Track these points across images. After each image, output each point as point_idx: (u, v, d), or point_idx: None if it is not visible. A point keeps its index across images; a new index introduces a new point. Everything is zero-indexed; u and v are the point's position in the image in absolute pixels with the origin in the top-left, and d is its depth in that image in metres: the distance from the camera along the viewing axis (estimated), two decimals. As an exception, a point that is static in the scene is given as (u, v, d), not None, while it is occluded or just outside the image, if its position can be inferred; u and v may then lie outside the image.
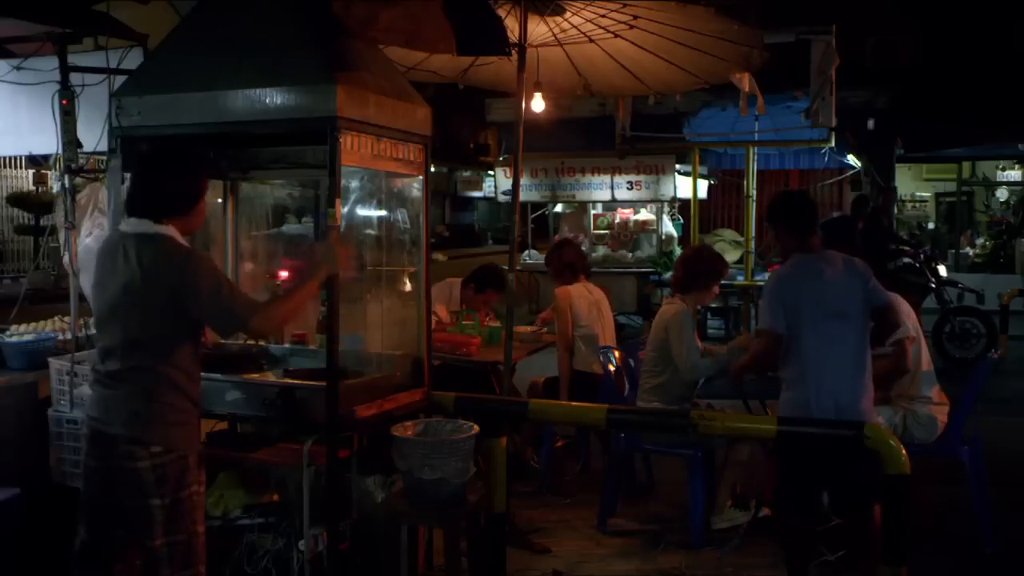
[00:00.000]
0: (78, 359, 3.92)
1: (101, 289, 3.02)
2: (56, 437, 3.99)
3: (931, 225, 19.13)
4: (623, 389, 5.37)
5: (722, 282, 5.40)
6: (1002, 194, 17.83)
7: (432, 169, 3.97)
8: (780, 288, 3.85)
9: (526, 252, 12.24)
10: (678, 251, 10.80)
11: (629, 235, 11.71)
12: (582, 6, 4.74)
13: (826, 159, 12.92)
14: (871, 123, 13.08)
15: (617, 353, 5.44)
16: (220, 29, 3.57)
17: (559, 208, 12.68)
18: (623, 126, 11.11)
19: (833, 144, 10.61)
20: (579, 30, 5.04)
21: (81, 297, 4.05)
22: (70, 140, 4.14)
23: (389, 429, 3.52)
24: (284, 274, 4.32)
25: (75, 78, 4.22)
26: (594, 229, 11.93)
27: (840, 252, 3.97)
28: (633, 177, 11.12)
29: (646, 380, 5.06)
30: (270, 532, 3.63)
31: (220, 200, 4.40)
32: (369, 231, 4.24)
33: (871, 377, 3.84)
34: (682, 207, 11.81)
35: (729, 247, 11.46)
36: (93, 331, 3.47)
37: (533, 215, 13.10)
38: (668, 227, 11.64)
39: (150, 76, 3.61)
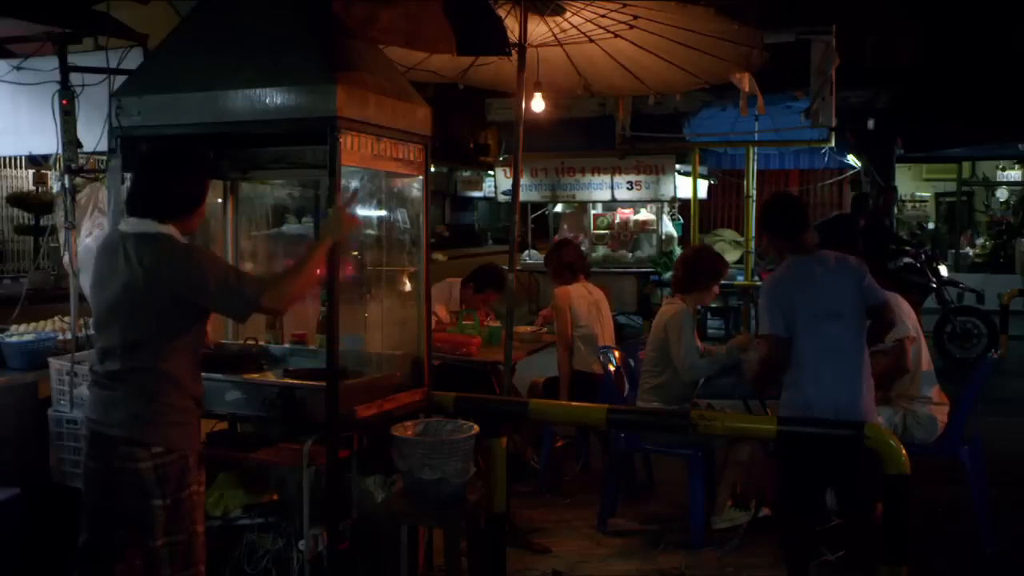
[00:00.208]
0: (78, 359, 3.92)
1: (100, 289, 3.01)
2: (56, 437, 3.98)
3: (931, 225, 19.12)
4: (623, 389, 5.37)
5: (722, 282, 5.40)
6: (1002, 194, 17.83)
7: (432, 169, 3.97)
8: (775, 291, 3.85)
9: (526, 252, 12.25)
10: (678, 251, 10.80)
11: (629, 235, 11.71)
12: (582, 6, 4.74)
13: (826, 159, 12.93)
14: (871, 123, 13.08)
15: (617, 353, 5.44)
16: (220, 29, 3.58)
17: (559, 208, 12.69)
18: (623, 126, 11.12)
19: (833, 144, 10.61)
20: (579, 30, 5.04)
21: (81, 297, 4.04)
22: (70, 140, 4.13)
23: (389, 429, 3.52)
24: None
25: (75, 78, 4.21)
26: (594, 229, 11.94)
27: (838, 251, 3.97)
28: (633, 177, 11.12)
29: (646, 380, 5.06)
30: (270, 532, 3.63)
31: (220, 200, 4.40)
32: (369, 231, 4.24)
33: (870, 376, 3.84)
34: (682, 207, 11.81)
35: (729, 247, 11.47)
36: (92, 332, 3.46)
37: (533, 215, 13.11)
38: (668, 227, 11.64)
39: (150, 76, 3.61)
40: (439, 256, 15.00)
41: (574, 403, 5.16)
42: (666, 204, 11.47)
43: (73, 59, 4.27)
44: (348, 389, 3.44)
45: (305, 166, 4.17)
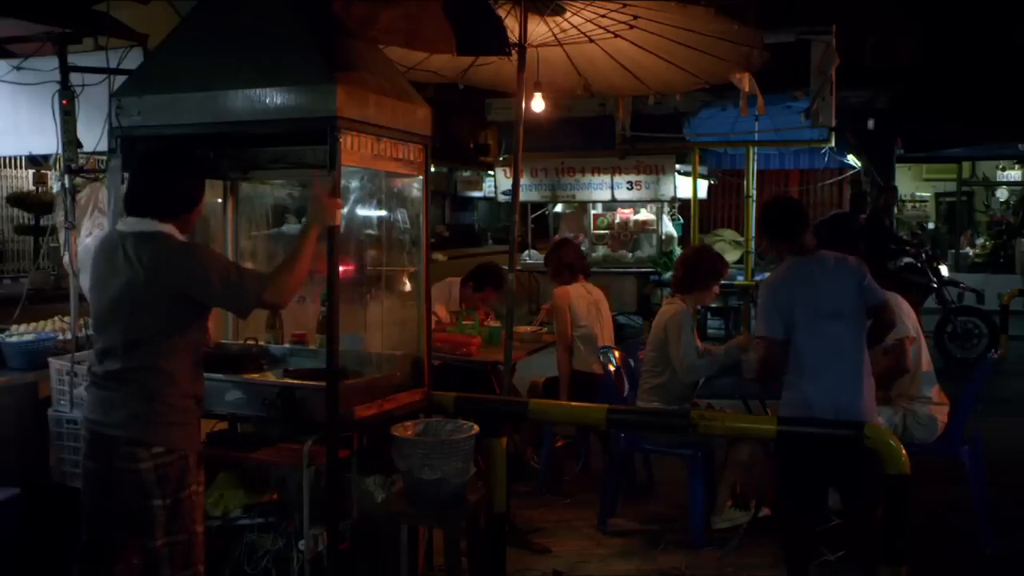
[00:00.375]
0: (78, 359, 3.92)
1: (99, 289, 3.01)
2: (56, 437, 3.98)
3: (931, 225, 19.12)
4: (623, 389, 5.37)
5: (722, 282, 5.40)
6: (1002, 194, 17.82)
7: (432, 169, 3.97)
8: (773, 293, 3.85)
9: (526, 252, 12.25)
10: (678, 251, 10.80)
11: (629, 235, 11.71)
12: (582, 6, 4.74)
13: (826, 159, 12.92)
14: (871, 123, 13.06)
15: (617, 353, 5.44)
16: (220, 29, 3.57)
17: (559, 208, 12.69)
18: (623, 126, 11.11)
19: (833, 144, 10.61)
20: (579, 30, 5.04)
21: (81, 297, 4.04)
22: (70, 140, 4.13)
23: (389, 429, 3.52)
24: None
25: (75, 78, 4.21)
26: (594, 229, 11.93)
27: (838, 251, 3.97)
28: (633, 177, 11.12)
29: (646, 380, 5.06)
30: (270, 532, 3.62)
31: (220, 200, 4.40)
32: (369, 231, 4.24)
33: (871, 376, 3.84)
34: (682, 207, 11.80)
35: (729, 247, 11.46)
36: (91, 332, 3.46)
37: (533, 215, 13.11)
38: (668, 227, 11.64)
39: (150, 76, 3.61)
40: (439, 256, 15.01)
41: (574, 403, 5.15)
42: (666, 204, 11.47)
43: (73, 59, 4.27)
44: (348, 389, 3.44)
45: (305, 166, 4.17)
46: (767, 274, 6.70)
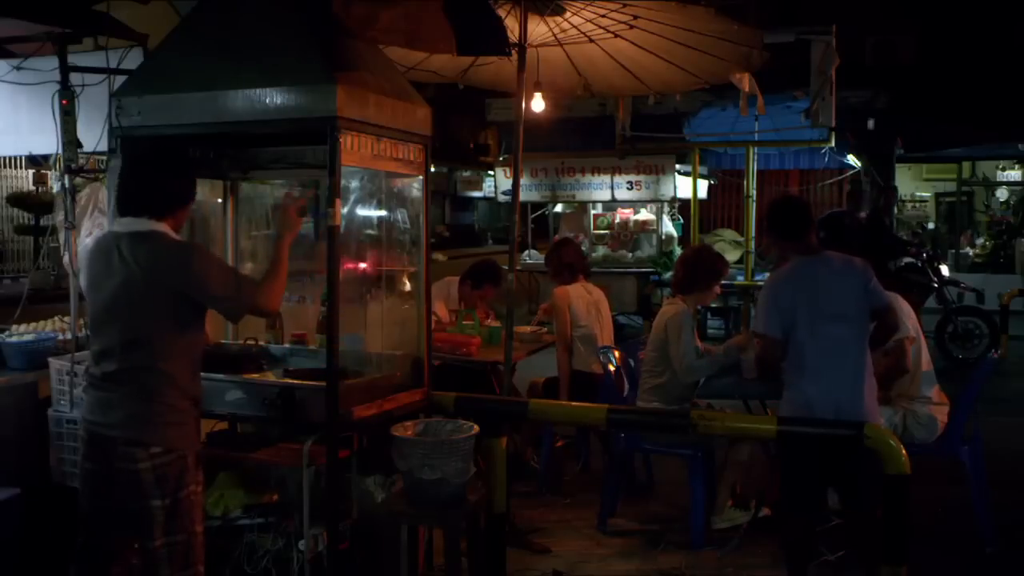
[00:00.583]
0: (78, 359, 3.92)
1: (96, 291, 3.01)
2: (56, 437, 3.98)
3: (931, 225, 19.11)
4: (623, 389, 5.37)
5: (722, 282, 5.39)
6: (1002, 194, 17.80)
7: (432, 169, 3.97)
8: (775, 292, 3.85)
9: (526, 252, 12.24)
10: (678, 251, 10.80)
11: (629, 235, 11.71)
12: (582, 6, 4.74)
13: (826, 159, 12.91)
14: (871, 123, 13.05)
15: (617, 353, 5.44)
16: (220, 29, 3.57)
17: (559, 208, 12.68)
18: (623, 126, 11.11)
19: (833, 144, 10.60)
20: (579, 30, 5.04)
21: (81, 297, 4.03)
22: (70, 140, 4.13)
23: (389, 429, 3.52)
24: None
25: (75, 78, 4.21)
26: (594, 229, 11.93)
27: (842, 250, 3.97)
28: (633, 177, 11.12)
29: (646, 380, 5.06)
30: (270, 532, 3.62)
31: (220, 200, 4.40)
32: (369, 231, 4.24)
33: (873, 378, 3.84)
34: (682, 207, 11.80)
35: (729, 247, 11.46)
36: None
37: (533, 215, 13.10)
38: (668, 227, 11.64)
39: (150, 76, 3.61)
40: (439, 256, 14.98)
41: (574, 403, 5.15)
42: (666, 204, 11.47)
43: (73, 59, 4.27)
44: (348, 389, 3.44)
45: (305, 166, 4.17)
46: (767, 274, 6.72)
